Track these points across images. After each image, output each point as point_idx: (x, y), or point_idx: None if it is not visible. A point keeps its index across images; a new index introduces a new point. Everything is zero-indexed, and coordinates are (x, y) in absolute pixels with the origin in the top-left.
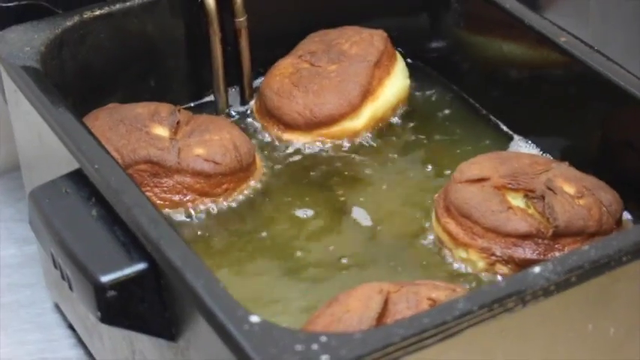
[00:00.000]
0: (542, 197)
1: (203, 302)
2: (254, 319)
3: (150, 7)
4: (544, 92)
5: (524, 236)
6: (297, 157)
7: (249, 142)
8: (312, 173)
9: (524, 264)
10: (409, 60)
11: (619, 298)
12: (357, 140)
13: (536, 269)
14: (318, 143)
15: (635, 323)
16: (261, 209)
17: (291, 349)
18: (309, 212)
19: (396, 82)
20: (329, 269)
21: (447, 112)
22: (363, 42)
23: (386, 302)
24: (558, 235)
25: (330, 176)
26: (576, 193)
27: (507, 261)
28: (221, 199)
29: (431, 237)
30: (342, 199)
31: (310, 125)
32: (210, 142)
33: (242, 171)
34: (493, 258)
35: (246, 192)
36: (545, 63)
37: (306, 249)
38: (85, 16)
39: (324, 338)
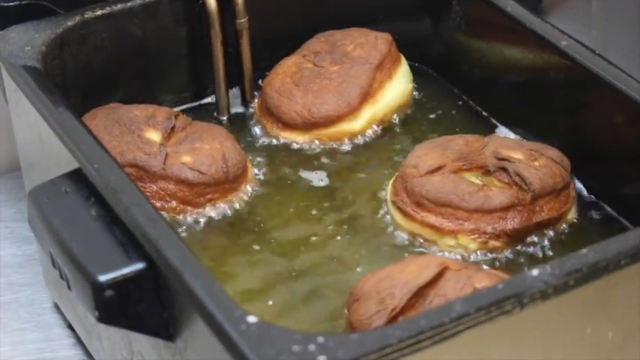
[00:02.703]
0: (503, 169)
1: (201, 302)
2: (251, 319)
3: (151, 8)
4: (546, 96)
5: (508, 207)
6: (293, 157)
7: (240, 154)
8: (307, 174)
9: (515, 233)
10: (410, 63)
11: (617, 302)
12: (356, 142)
13: (534, 272)
14: (316, 143)
15: (634, 327)
16: (248, 218)
17: (289, 350)
18: (303, 217)
19: (398, 86)
20: (315, 273)
21: (447, 114)
22: (367, 44)
23: (441, 276)
24: (535, 198)
25: (326, 179)
26: (528, 157)
27: (499, 235)
28: (204, 208)
29: (404, 235)
30: (338, 203)
31: (308, 125)
32: (199, 151)
33: (228, 183)
34: (485, 236)
35: (233, 203)
36: (547, 67)
37: (298, 255)
38: (86, 16)
39: (321, 339)
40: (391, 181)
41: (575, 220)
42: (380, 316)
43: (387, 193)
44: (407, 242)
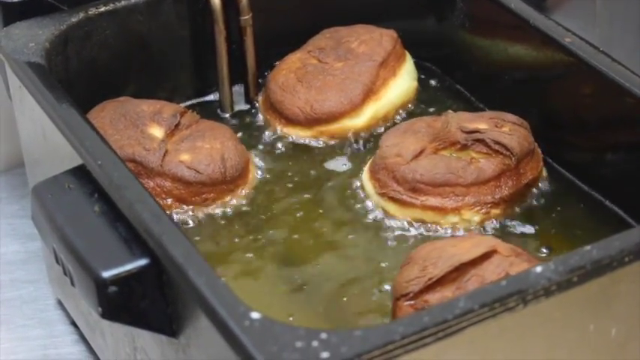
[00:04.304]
0: (478, 140)
1: (204, 298)
2: (255, 315)
3: (155, 4)
4: (549, 93)
5: (499, 175)
6: (295, 154)
7: (241, 156)
8: (308, 173)
9: (511, 198)
10: (415, 60)
11: (621, 299)
12: (358, 139)
13: (538, 269)
14: (318, 139)
15: (637, 324)
16: (246, 219)
17: (292, 346)
18: (303, 217)
19: (402, 84)
20: (321, 276)
21: (451, 112)
22: (371, 41)
23: (488, 258)
24: (519, 161)
25: (327, 177)
26: (494, 126)
27: (498, 203)
28: (200, 208)
29: (401, 224)
30: (340, 203)
31: (310, 121)
32: (199, 150)
33: (225, 183)
34: (487, 207)
35: (230, 204)
36: (551, 64)
37: (298, 259)
38: (90, 12)
39: (324, 335)
40: (365, 177)
41: (547, 179)
42: (417, 282)
43: (367, 189)
44: (408, 230)
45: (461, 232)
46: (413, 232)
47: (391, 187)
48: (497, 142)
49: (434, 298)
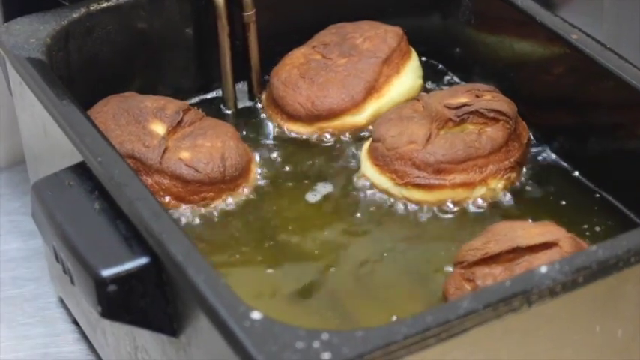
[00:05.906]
0: (472, 112)
1: (204, 298)
2: (255, 315)
3: (158, 0)
4: (554, 89)
5: (507, 140)
6: (298, 151)
7: (241, 155)
8: (311, 170)
9: (522, 160)
10: (421, 57)
11: (627, 299)
12: (360, 135)
13: (543, 269)
14: (321, 136)
15: None
16: (244, 219)
17: (292, 347)
18: (310, 218)
19: (406, 81)
20: (321, 273)
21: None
22: (376, 38)
23: (547, 248)
24: (516, 123)
25: (330, 176)
26: (475, 96)
27: (514, 166)
28: (198, 207)
29: (426, 211)
30: (347, 202)
31: (311, 117)
32: (199, 149)
33: (224, 183)
34: (507, 172)
35: (228, 203)
36: (557, 60)
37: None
38: (92, 8)
39: (325, 335)
40: (374, 173)
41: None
42: (475, 253)
43: (381, 183)
44: (442, 211)
45: (480, 201)
46: (447, 212)
47: (413, 174)
48: (491, 110)
49: (481, 272)
